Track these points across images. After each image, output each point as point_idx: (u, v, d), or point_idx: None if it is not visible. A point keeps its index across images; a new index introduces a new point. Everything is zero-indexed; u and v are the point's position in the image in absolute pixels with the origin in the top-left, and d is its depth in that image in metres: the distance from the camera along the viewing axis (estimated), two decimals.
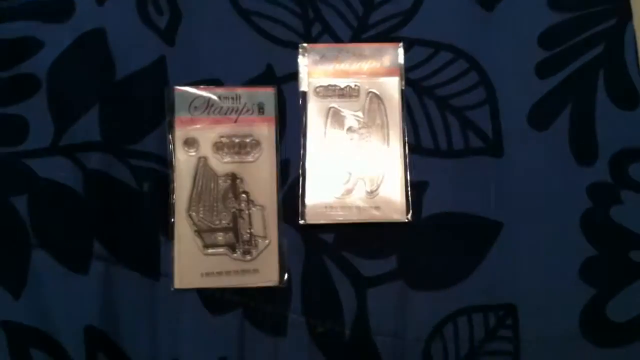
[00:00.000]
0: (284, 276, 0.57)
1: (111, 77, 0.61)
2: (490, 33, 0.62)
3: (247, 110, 0.59)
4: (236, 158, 0.59)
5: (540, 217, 0.58)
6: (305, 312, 0.57)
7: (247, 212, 0.58)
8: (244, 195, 0.58)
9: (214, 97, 0.59)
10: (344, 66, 0.61)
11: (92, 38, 0.62)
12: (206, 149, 0.58)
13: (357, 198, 0.58)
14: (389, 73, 0.61)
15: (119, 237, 0.58)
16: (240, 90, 0.60)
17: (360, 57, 0.61)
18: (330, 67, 0.61)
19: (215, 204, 0.58)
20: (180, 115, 0.59)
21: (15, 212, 0.58)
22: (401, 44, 0.61)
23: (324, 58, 0.61)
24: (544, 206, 0.58)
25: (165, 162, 0.59)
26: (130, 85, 0.61)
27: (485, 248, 0.58)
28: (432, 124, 0.60)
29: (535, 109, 0.60)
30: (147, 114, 0.60)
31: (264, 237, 0.58)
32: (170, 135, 0.58)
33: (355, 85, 0.61)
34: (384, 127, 0.60)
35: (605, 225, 0.58)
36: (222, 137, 0.59)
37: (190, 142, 0.58)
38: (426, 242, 0.58)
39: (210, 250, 0.57)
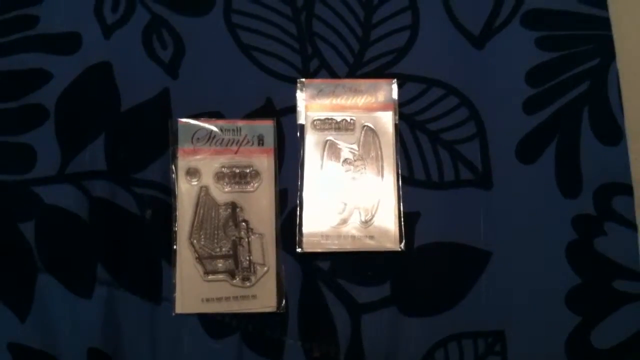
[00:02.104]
0: (281, 302, 0.59)
1: (117, 108, 0.63)
2: (480, 70, 0.64)
3: (247, 142, 0.61)
4: (236, 188, 0.60)
5: (528, 247, 0.60)
6: (301, 336, 0.58)
7: (246, 240, 0.60)
8: (243, 223, 0.60)
9: (216, 129, 0.61)
10: (341, 100, 0.63)
11: (99, 70, 0.64)
12: (208, 179, 0.60)
13: (352, 227, 0.60)
14: (383, 108, 0.63)
15: (122, 263, 0.60)
16: (240, 123, 0.62)
17: (356, 92, 0.63)
18: (327, 101, 0.63)
19: (216, 232, 0.59)
20: (183, 146, 0.61)
21: (22, 237, 0.60)
22: (395, 80, 0.63)
23: (321, 92, 0.64)
24: (531, 236, 0.60)
25: (168, 191, 0.61)
26: (135, 116, 0.63)
27: (475, 276, 0.59)
28: (425, 157, 0.62)
29: (523, 143, 0.62)
30: (151, 144, 0.62)
31: (263, 264, 0.59)
32: (173, 165, 0.60)
33: (351, 119, 0.63)
34: (378, 159, 0.62)
35: (590, 256, 0.59)
36: (223, 167, 0.61)
37: (192, 172, 0.60)
38: (418, 270, 0.60)
39: (210, 277, 0.59)
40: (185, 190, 0.60)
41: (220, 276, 0.59)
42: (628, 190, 0.61)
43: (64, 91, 0.64)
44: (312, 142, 0.62)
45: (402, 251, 0.60)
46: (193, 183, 0.60)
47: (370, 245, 0.60)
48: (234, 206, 0.60)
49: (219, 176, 0.61)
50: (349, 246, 0.60)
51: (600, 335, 0.58)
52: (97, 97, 0.64)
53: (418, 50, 0.65)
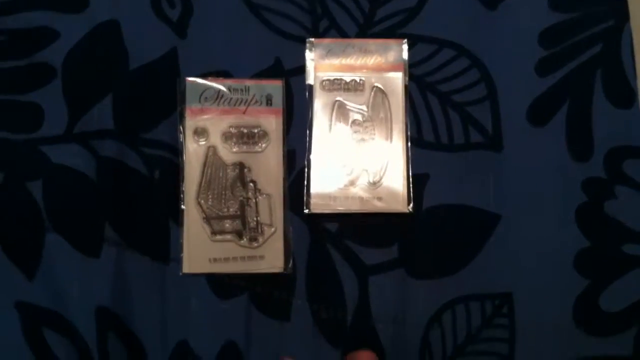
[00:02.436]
0: (289, 263, 0.59)
1: (125, 68, 0.63)
2: (492, 31, 0.63)
3: (256, 102, 0.61)
4: (244, 148, 0.60)
5: (537, 210, 0.59)
6: (309, 298, 0.59)
7: (254, 200, 0.59)
8: (251, 184, 0.60)
9: (224, 89, 0.61)
10: (350, 61, 0.63)
11: (107, 29, 0.64)
12: (215, 139, 0.60)
13: (360, 189, 0.60)
14: (393, 68, 0.62)
15: (130, 223, 0.60)
16: (249, 83, 0.61)
17: (366, 52, 0.63)
18: (336, 61, 0.63)
19: (223, 192, 0.59)
20: (191, 106, 0.60)
21: (31, 197, 0.60)
22: (405, 41, 0.63)
23: (330, 52, 0.63)
24: (541, 199, 0.60)
25: (175, 151, 0.60)
26: (143, 75, 0.63)
27: (484, 239, 0.59)
28: (434, 119, 0.61)
29: (534, 105, 0.61)
30: (159, 104, 0.62)
31: (270, 225, 0.59)
32: (180, 125, 0.60)
33: (360, 80, 0.62)
34: (388, 121, 0.61)
35: (599, 219, 0.59)
36: (231, 127, 0.60)
37: (200, 132, 0.60)
38: (426, 233, 0.59)
39: (218, 237, 0.59)
40: (193, 150, 0.60)
41: (228, 236, 0.59)
42: (639, 153, 0.60)
43: (71, 50, 0.63)
44: (320, 103, 0.62)
45: (410, 213, 0.59)
46: (201, 143, 0.60)
47: (378, 207, 0.60)
48: (241, 166, 0.60)
49: (227, 136, 0.60)
50: (356, 207, 0.60)
51: (608, 299, 0.58)
52: (104, 56, 0.63)
53: (429, 10, 0.64)
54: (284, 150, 0.60)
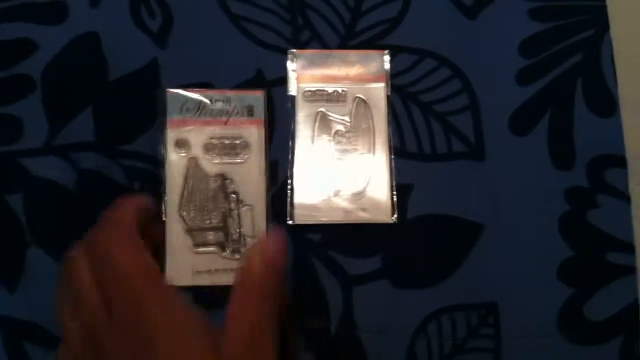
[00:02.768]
0: None
1: (105, 79, 0.62)
2: (472, 41, 0.64)
3: (237, 113, 0.60)
4: (226, 159, 0.59)
5: (520, 219, 0.59)
6: (292, 309, 0.58)
7: (236, 211, 0.59)
8: (233, 195, 0.59)
9: (205, 100, 0.60)
10: (332, 72, 0.63)
11: (86, 41, 0.63)
12: (197, 150, 0.59)
13: (344, 200, 0.60)
14: (375, 79, 0.62)
15: None
16: (230, 93, 0.61)
17: (348, 63, 0.63)
18: (318, 72, 0.63)
19: (206, 204, 0.59)
20: (172, 117, 0.60)
21: (11, 210, 0.59)
22: (387, 52, 0.63)
23: (312, 63, 0.63)
24: (524, 209, 0.60)
25: (156, 163, 0.60)
26: (124, 86, 0.62)
27: (468, 249, 0.59)
28: (417, 129, 0.61)
29: (516, 115, 0.62)
30: (139, 116, 0.61)
31: (253, 237, 0.59)
32: (162, 137, 0.59)
33: (343, 91, 0.62)
34: (370, 131, 0.61)
35: (583, 228, 0.59)
36: (212, 138, 0.60)
37: (181, 143, 0.59)
38: (410, 243, 0.59)
39: (201, 249, 0.58)
40: (175, 162, 0.59)
41: (211, 248, 0.58)
42: (621, 162, 0.60)
43: (50, 62, 0.63)
44: (303, 114, 0.62)
45: (394, 223, 0.59)
46: (182, 154, 0.59)
47: (362, 217, 0.59)
48: (223, 178, 0.59)
49: (209, 147, 0.59)
50: (340, 218, 0.59)
51: (593, 308, 0.58)
52: (84, 67, 0.63)
53: (410, 21, 0.64)
54: (266, 161, 0.60)
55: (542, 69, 0.63)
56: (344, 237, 0.59)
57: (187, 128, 0.60)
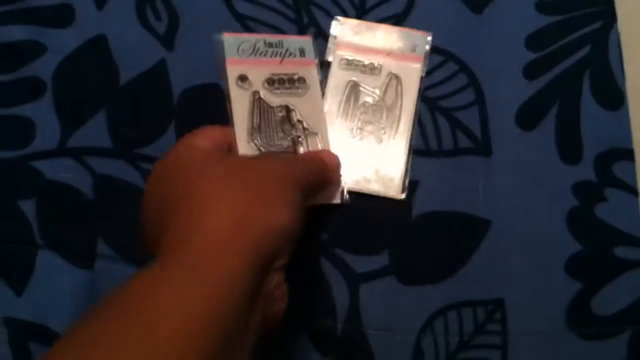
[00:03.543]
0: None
1: (116, 81, 0.63)
2: (479, 35, 0.63)
3: (290, 54, 0.61)
4: (287, 92, 0.59)
5: (528, 214, 0.59)
6: (299, 306, 0.58)
7: (304, 138, 0.59)
8: (299, 123, 0.59)
9: (260, 41, 0.60)
10: (372, 44, 0.64)
11: (94, 44, 0.64)
12: (258, 85, 0.59)
13: (358, 169, 0.61)
14: (413, 59, 0.63)
15: (124, 236, 0.60)
16: (281, 38, 0.61)
17: (390, 39, 0.63)
18: (358, 43, 0.64)
19: (274, 132, 0.58)
20: (230, 57, 0.59)
21: (22, 213, 0.60)
22: (431, 34, 0.63)
23: (354, 33, 0.64)
24: (532, 204, 0.59)
25: None
26: (135, 89, 0.63)
27: (474, 244, 0.59)
28: (423, 125, 0.61)
29: (523, 109, 0.61)
30: (154, 118, 0.62)
31: None
32: (224, 77, 0.58)
33: (378, 65, 0.63)
34: (397, 108, 0.62)
35: (591, 222, 0.59)
36: (271, 74, 0.59)
37: (243, 78, 0.58)
38: (417, 239, 0.59)
39: None
40: (239, 96, 0.58)
41: None
42: (629, 155, 0.60)
43: (59, 64, 0.63)
44: (335, 80, 0.63)
45: (402, 201, 0.60)
46: (245, 88, 0.58)
47: (372, 189, 0.60)
48: (287, 108, 0.59)
49: (269, 82, 0.59)
50: (350, 185, 0.60)
51: (600, 303, 0.58)
52: (94, 69, 0.63)
53: (416, 16, 0.64)
54: (322, 95, 0.61)
55: (550, 63, 0.62)
56: (351, 234, 0.59)
57: (245, 66, 0.59)
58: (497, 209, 0.59)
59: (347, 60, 0.63)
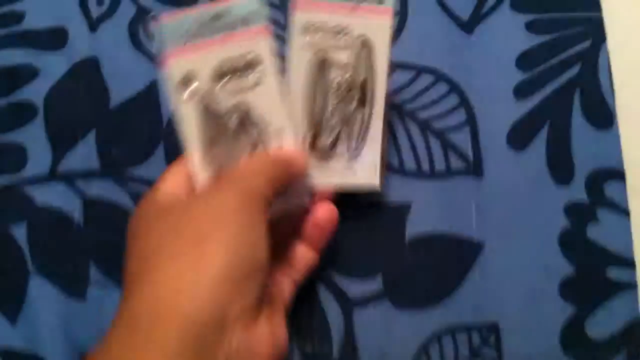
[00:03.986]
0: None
1: (106, 103, 0.63)
2: (469, 56, 0.63)
3: (238, 25, 0.50)
4: (239, 84, 0.51)
5: (520, 236, 0.59)
6: (294, 332, 0.58)
7: (265, 140, 0.51)
8: (256, 126, 0.51)
9: (204, 15, 0.50)
10: None
11: (87, 66, 0.64)
12: (205, 82, 0.50)
13: (334, 159, 0.55)
14: (380, 12, 0.54)
15: (116, 262, 0.59)
16: (226, 4, 0.50)
17: None
18: None
19: (232, 140, 0.51)
20: (172, 47, 0.50)
21: (13, 240, 0.60)
22: None
23: None
24: (524, 225, 0.59)
25: None
26: (125, 111, 0.63)
27: (468, 267, 0.59)
28: (415, 146, 0.61)
29: (514, 129, 0.61)
30: (144, 139, 0.62)
31: None
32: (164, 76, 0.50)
33: (346, 25, 0.54)
34: (370, 83, 0.54)
35: (583, 244, 0.59)
36: (221, 60, 0.50)
37: (187, 80, 0.50)
38: (410, 262, 0.59)
39: None
40: (185, 109, 0.50)
41: None
42: (620, 175, 0.60)
43: (52, 88, 0.64)
44: (298, 57, 0.54)
45: (377, 192, 0.57)
46: (191, 96, 0.50)
47: (345, 182, 0.55)
48: (241, 110, 0.51)
49: (218, 74, 0.50)
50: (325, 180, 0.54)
51: (595, 325, 0.57)
52: (86, 92, 0.64)
53: (407, 36, 0.64)
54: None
55: (540, 82, 0.62)
56: (343, 257, 0.59)
57: (190, 56, 0.50)
58: (490, 230, 0.59)
59: (310, 24, 0.53)
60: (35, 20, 0.66)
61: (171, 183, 0.48)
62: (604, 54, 0.63)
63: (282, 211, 0.51)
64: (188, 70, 0.50)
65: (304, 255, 0.53)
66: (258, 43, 0.51)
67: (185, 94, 0.50)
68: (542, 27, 0.64)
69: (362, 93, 0.55)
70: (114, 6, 0.66)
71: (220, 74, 0.50)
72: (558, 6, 0.64)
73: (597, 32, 0.63)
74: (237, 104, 0.51)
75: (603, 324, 0.57)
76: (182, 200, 0.46)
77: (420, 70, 0.63)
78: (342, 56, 0.54)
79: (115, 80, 0.64)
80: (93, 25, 0.65)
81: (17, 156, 0.62)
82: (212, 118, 0.51)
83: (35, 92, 0.64)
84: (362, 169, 0.55)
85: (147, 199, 0.47)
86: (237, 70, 0.50)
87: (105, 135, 0.62)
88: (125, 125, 0.63)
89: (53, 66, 0.64)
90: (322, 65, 0.54)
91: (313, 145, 0.55)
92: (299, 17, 0.54)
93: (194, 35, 0.50)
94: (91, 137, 0.62)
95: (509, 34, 0.64)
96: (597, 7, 0.64)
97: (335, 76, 0.54)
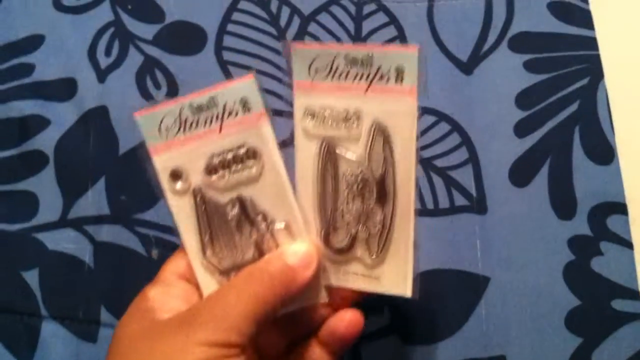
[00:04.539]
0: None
1: (115, 151, 0.64)
2: (470, 96, 0.65)
3: (230, 114, 0.46)
4: (237, 176, 0.46)
5: (525, 270, 0.60)
6: None
7: (269, 235, 0.47)
8: (259, 217, 0.47)
9: (185, 107, 0.46)
10: (341, 80, 0.45)
11: (95, 115, 0.66)
12: (197, 178, 0.46)
13: (354, 263, 0.48)
14: (401, 93, 0.44)
15: (127, 304, 0.59)
16: (212, 92, 0.46)
17: (363, 65, 0.45)
18: (323, 78, 0.46)
19: (232, 236, 0.47)
20: (152, 142, 0.47)
21: (27, 285, 0.61)
22: (418, 48, 0.44)
23: (316, 63, 0.46)
24: (528, 260, 0.60)
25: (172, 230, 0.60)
26: (134, 157, 0.64)
27: (475, 302, 0.59)
28: (419, 185, 0.62)
29: (516, 166, 0.62)
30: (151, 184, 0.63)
31: None
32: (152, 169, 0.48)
33: (355, 111, 0.46)
34: (391, 178, 0.46)
35: (588, 277, 0.59)
36: (211, 155, 0.46)
37: (176, 175, 0.47)
38: (418, 298, 0.59)
39: None
40: (177, 203, 0.47)
41: None
42: (622, 208, 0.61)
43: (62, 137, 0.65)
44: (301, 149, 0.47)
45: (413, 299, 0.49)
46: (182, 189, 0.46)
47: (376, 287, 0.48)
48: (241, 201, 0.47)
49: (210, 169, 0.46)
50: (342, 283, 0.49)
51: (601, 356, 0.58)
52: (95, 141, 0.65)
53: None
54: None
55: (540, 120, 0.63)
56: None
57: (175, 152, 0.46)
58: (495, 266, 0.60)
59: (312, 110, 0.46)
60: (45, 71, 0.68)
61: (164, 285, 0.46)
62: (602, 90, 0.64)
63: (294, 308, 0.47)
64: (176, 165, 0.46)
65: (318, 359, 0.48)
66: (254, 133, 0.46)
67: (177, 187, 0.47)
68: (541, 66, 0.65)
69: (381, 189, 0.46)
70: (122, 56, 0.68)
71: (213, 168, 0.46)
72: (556, 45, 0.66)
73: (595, 70, 0.65)
74: (235, 196, 0.47)
75: (610, 355, 0.58)
76: (166, 323, 0.42)
77: (422, 111, 0.63)
78: (353, 147, 0.46)
79: (124, 127, 0.65)
80: (101, 75, 0.67)
81: (29, 204, 0.63)
82: (209, 209, 0.47)
83: (46, 142, 0.65)
84: (388, 277, 0.47)
85: (138, 306, 0.45)
86: (231, 163, 0.46)
87: (114, 182, 0.63)
88: (134, 171, 0.63)
89: (63, 116, 0.66)
90: (329, 157, 0.47)
91: (327, 242, 0.47)
92: (300, 101, 0.46)
93: (178, 129, 0.46)
94: (101, 184, 0.63)
95: (508, 73, 0.65)
96: (595, 46, 0.66)
97: (346, 170, 0.46)
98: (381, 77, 0.44)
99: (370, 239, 0.47)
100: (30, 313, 0.60)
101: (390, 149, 0.46)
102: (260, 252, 0.47)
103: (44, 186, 0.64)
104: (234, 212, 0.47)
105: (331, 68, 0.45)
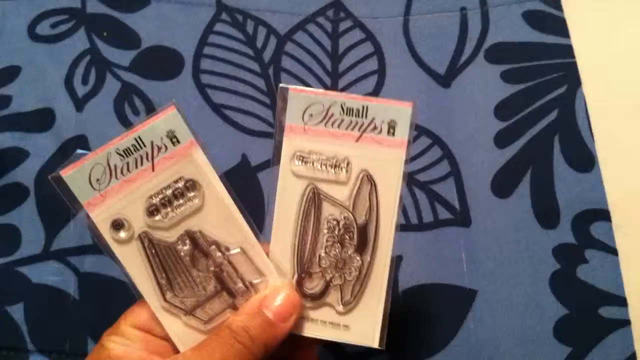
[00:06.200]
0: None
1: None
2: (449, 109, 0.65)
3: (160, 149, 0.45)
4: (182, 212, 0.45)
5: (511, 280, 0.60)
6: None
7: (226, 262, 0.46)
8: (212, 247, 0.46)
9: (112, 153, 0.44)
10: (334, 127, 0.45)
11: (75, 145, 0.65)
12: (140, 224, 0.45)
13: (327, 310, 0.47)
14: (389, 144, 0.45)
15: None
16: (138, 130, 0.44)
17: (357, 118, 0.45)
18: (315, 125, 0.45)
19: (189, 274, 0.46)
20: (85, 198, 0.45)
21: (12, 320, 0.60)
22: (413, 105, 0.45)
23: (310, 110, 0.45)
24: (514, 270, 0.60)
25: None
26: None
27: (463, 315, 0.59)
28: (403, 201, 0.62)
29: (497, 177, 0.62)
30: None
31: (260, 275, 0.46)
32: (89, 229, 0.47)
33: (344, 159, 0.45)
34: (373, 227, 0.46)
35: (574, 285, 0.59)
36: (149, 196, 0.45)
37: (118, 226, 0.45)
38: (405, 314, 0.60)
39: (213, 323, 0.46)
40: (124, 253, 0.45)
41: (225, 315, 0.46)
42: (605, 215, 0.61)
43: (41, 168, 0.64)
44: (287, 188, 0.46)
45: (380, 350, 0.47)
46: (126, 239, 0.45)
47: (343, 335, 0.47)
48: (190, 234, 0.45)
49: (151, 211, 0.45)
50: (317, 333, 0.47)
51: None
52: None
53: (386, 94, 0.66)
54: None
55: (519, 130, 0.64)
56: None
57: (111, 202, 0.45)
58: (481, 277, 0.60)
59: (301, 155, 0.45)
60: (23, 103, 0.67)
61: (126, 339, 0.45)
62: (580, 97, 0.64)
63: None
64: (116, 214, 0.45)
65: None
66: (188, 164, 0.45)
67: (121, 237, 0.45)
68: (518, 76, 0.65)
69: (361, 238, 0.46)
70: (99, 84, 0.67)
71: (155, 209, 0.45)
72: (532, 55, 0.66)
73: (572, 77, 0.65)
74: (182, 231, 0.45)
75: None
76: None
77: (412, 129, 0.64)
78: (338, 193, 0.46)
79: None
80: (79, 104, 0.66)
81: (11, 237, 0.62)
82: (159, 252, 0.45)
83: (26, 174, 0.64)
84: (358, 327, 0.46)
85: (99, 355, 0.44)
86: (172, 200, 0.45)
87: None
88: None
89: (42, 147, 0.65)
90: (313, 200, 0.46)
91: (300, 286, 0.46)
92: (289, 143, 0.45)
93: (109, 179, 0.44)
94: (82, 214, 0.62)
95: (485, 84, 0.66)
96: (571, 53, 0.66)
97: (329, 215, 0.46)
98: (374, 128, 0.45)
99: (344, 286, 0.46)
100: (17, 348, 0.60)
101: (376, 198, 0.46)
102: (221, 283, 0.46)
103: (26, 219, 0.63)
104: (185, 248, 0.46)
105: (326, 115, 0.45)
